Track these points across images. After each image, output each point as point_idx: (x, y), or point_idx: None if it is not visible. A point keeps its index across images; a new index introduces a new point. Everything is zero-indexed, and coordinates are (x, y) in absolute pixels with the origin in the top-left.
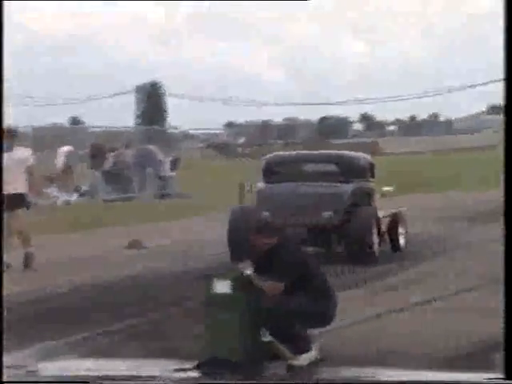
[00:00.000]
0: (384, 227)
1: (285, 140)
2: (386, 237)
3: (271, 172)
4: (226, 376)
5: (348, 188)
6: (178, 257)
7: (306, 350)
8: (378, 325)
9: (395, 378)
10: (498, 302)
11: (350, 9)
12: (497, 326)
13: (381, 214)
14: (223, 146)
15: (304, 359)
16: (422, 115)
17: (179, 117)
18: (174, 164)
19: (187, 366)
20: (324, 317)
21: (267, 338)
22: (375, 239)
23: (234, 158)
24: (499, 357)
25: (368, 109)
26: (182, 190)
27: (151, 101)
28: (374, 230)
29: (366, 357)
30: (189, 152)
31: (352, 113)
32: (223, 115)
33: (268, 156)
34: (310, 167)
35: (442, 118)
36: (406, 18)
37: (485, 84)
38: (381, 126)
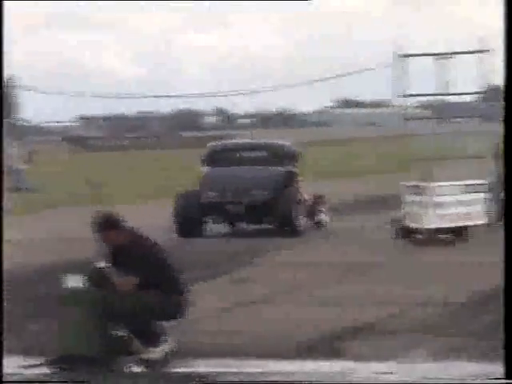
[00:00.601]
0: (309, 207)
1: (140, 133)
2: (311, 215)
3: (213, 158)
4: (80, 371)
5: (277, 171)
6: (33, 251)
7: (160, 343)
8: (233, 316)
9: (252, 369)
10: (350, 291)
11: (195, 4)
12: (346, 315)
13: (306, 195)
14: (77, 139)
15: (158, 352)
16: (276, 109)
17: (33, 110)
18: (28, 157)
19: (40, 362)
20: (177, 310)
21: (121, 332)
22: (299, 216)
23: (91, 151)
24: (346, 344)
25: (222, 102)
26: (33, 184)
27: (2, 93)
28: (299, 208)
29: (223, 348)
30: (45, 145)
31: (206, 106)
32: (79, 108)
33: (210, 144)
34: (246, 154)
35: (294, 112)
36: (260, 13)
37: (339, 77)
38: (235, 119)
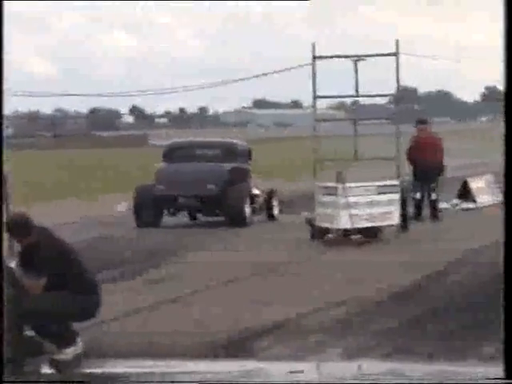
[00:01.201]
0: (261, 200)
1: (54, 132)
2: (264, 208)
3: (170, 155)
4: None
5: (227, 167)
6: None
7: (71, 343)
8: (143, 317)
9: (164, 369)
10: (264, 292)
11: (122, 4)
12: (255, 316)
13: (258, 189)
14: None
15: (68, 353)
16: (192, 109)
17: None
18: None
19: None
20: (88, 310)
21: (31, 333)
22: (247, 208)
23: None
24: (260, 344)
25: (138, 101)
26: None
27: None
28: (246, 201)
29: (132, 348)
30: None
31: (122, 105)
32: None
33: (168, 142)
34: (201, 151)
35: (210, 112)
36: (178, 15)
37: (248, 79)
38: (151, 118)
